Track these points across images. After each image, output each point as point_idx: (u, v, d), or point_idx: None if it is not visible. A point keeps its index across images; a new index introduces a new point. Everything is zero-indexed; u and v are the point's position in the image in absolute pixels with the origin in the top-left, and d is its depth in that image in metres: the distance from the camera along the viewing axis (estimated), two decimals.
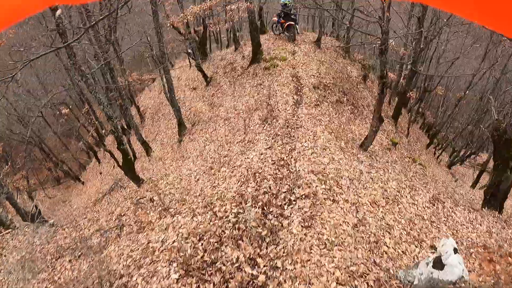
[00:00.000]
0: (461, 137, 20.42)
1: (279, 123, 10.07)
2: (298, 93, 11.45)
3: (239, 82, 13.54)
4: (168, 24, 13.23)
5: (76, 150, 22.47)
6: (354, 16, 15.20)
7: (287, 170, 7.92)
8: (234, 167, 8.87)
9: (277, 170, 7.93)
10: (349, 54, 16.75)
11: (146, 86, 21.01)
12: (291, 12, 14.48)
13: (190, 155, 11.46)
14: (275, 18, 15.26)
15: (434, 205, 8.90)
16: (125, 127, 16.78)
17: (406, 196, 8.52)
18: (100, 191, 16.03)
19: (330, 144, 9.28)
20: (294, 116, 10.38)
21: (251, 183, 7.56)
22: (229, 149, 10.25)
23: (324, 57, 14.09)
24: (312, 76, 12.25)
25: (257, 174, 7.82)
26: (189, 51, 16.91)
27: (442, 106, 23.58)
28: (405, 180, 9.34)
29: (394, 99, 17.49)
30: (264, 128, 10.20)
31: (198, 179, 9.33)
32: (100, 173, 19.17)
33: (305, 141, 9.17)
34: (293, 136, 9.50)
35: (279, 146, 9.07)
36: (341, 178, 7.79)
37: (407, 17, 16.19)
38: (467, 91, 18.72)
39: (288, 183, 7.45)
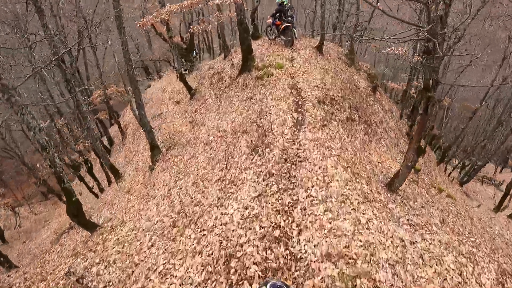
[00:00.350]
0: (471, 151, 16.52)
1: (273, 155, 6.26)
2: (299, 109, 7.64)
3: (226, 95, 9.76)
4: (138, 26, 9.45)
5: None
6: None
7: (286, 250, 4.10)
8: (203, 231, 5.04)
9: (269, 251, 4.10)
10: (354, 62, 12.92)
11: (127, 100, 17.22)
12: (288, 12, 10.69)
13: (157, 194, 7.64)
14: (270, 20, 11.45)
15: (503, 285, 5.13)
16: (104, 147, 12.96)
17: (471, 281, 4.69)
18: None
19: (350, 189, 5.46)
20: (294, 143, 6.56)
21: (221, 282, 3.73)
22: (203, 192, 6.43)
23: (328, 65, 10.30)
24: (315, 88, 8.44)
25: (233, 261, 4.00)
26: (177, 60, 13.04)
27: (446, 117, 19.76)
28: (458, 245, 5.51)
29: (405, 113, 13.65)
30: (253, 161, 6.39)
31: (152, 244, 5.51)
32: (80, 194, 15.34)
33: (313, 187, 5.36)
34: (294, 176, 5.68)
35: (273, 195, 5.26)
36: (378, 266, 3.95)
37: (421, 16, 12.40)
38: (483, 102, 14.89)
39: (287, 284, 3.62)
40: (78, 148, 12.28)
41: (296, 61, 9.71)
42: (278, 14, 10.75)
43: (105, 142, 15.15)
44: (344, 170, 6.07)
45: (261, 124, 7.09)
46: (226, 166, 6.72)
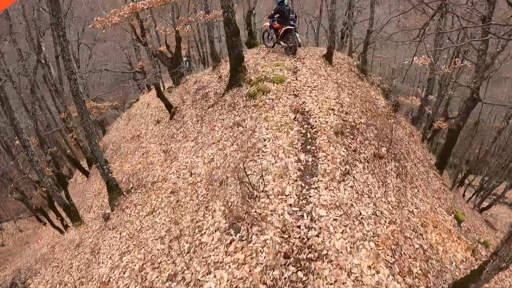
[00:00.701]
0: (495, 173, 13.25)
1: (266, 243, 3.14)
2: (308, 147, 4.53)
3: (209, 117, 6.69)
4: (90, 26, 6.43)
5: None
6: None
7: None
8: None
9: None
10: (366, 74, 9.75)
11: (119, 115, 14.18)
12: (290, 14, 7.61)
13: (94, 273, 4.56)
14: (267, 23, 8.37)
15: None
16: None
17: None
18: (29, 259, 9.21)
19: None
20: (302, 216, 3.43)
21: None
22: None
23: (341, 78, 7.20)
24: (330, 111, 5.34)
25: None
26: (154, 71, 9.91)
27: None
28: None
29: (427, 135, 10.50)
30: (230, 249, 3.27)
31: None
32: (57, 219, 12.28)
33: None
34: None
35: None
36: None
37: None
38: (510, 120, 11.66)
39: None
40: (36, 177, 9.24)
41: (301, 73, 6.60)
42: (277, 15, 7.66)
43: (85, 164, 12.13)
44: (389, 271, 2.96)
45: (247, 176, 3.95)
46: (189, 249, 3.61)
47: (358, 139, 5.22)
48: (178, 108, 8.25)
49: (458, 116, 8.18)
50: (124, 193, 6.46)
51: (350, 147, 4.88)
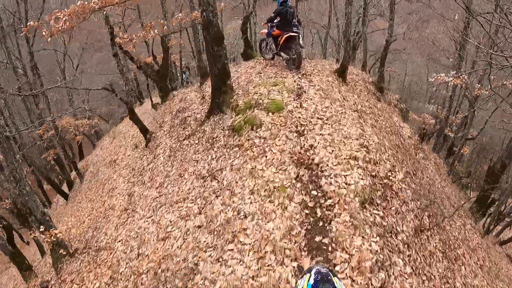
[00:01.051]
0: None
1: None
2: (317, 238, 2.51)
3: (182, 154, 4.74)
4: (22, 34, 4.54)
5: None
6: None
7: None
8: None
9: None
10: (383, 92, 7.61)
11: (108, 132, 12.39)
12: (293, 17, 5.59)
13: None
14: (264, 30, 6.36)
15: None
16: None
17: None
18: None
19: None
20: None
21: None
22: None
23: (360, 102, 5.12)
24: (352, 162, 3.29)
25: None
26: (127, 86, 7.99)
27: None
28: None
29: (454, 166, 8.28)
30: None
31: None
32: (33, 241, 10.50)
33: None
34: None
35: None
36: None
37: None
38: None
39: None
40: None
41: (307, 97, 4.53)
42: (277, 19, 5.65)
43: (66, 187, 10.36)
44: None
45: None
46: None
47: (393, 207, 3.16)
48: (154, 135, 6.31)
49: (505, 151, 6.03)
50: (71, 252, 4.55)
51: (384, 226, 2.83)
